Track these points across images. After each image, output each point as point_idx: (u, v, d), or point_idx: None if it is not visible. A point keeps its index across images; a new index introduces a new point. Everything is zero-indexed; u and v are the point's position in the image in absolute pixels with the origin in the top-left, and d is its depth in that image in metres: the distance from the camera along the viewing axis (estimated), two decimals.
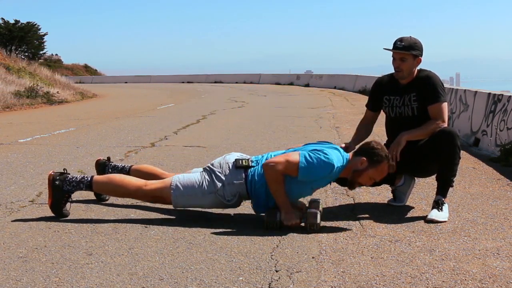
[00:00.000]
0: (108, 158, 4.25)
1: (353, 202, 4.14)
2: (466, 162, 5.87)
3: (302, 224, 3.42)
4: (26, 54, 36.89)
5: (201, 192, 3.58)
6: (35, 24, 39.30)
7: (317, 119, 10.65)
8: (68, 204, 3.70)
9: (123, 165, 4.18)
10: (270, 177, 3.45)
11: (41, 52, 41.03)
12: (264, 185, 3.53)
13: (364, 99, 4.34)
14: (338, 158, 3.51)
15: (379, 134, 7.99)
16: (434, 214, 3.62)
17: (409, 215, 3.82)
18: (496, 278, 2.66)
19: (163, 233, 3.35)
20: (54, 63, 49.24)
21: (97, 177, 3.76)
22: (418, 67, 3.88)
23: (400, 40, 3.79)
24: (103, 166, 4.18)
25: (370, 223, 3.59)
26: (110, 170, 4.12)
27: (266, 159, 3.60)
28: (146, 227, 3.48)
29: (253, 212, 3.84)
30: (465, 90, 8.53)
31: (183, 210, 3.91)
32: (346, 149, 3.80)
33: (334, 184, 4.32)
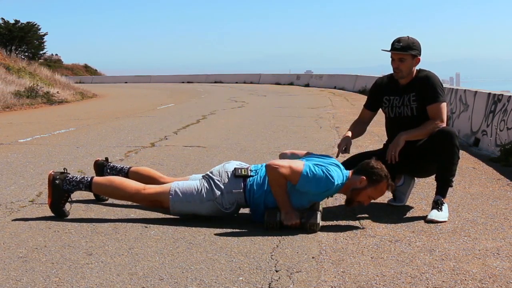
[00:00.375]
0: (106, 159, 4.25)
1: None
2: (466, 162, 5.87)
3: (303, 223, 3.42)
4: (26, 54, 36.89)
5: (199, 199, 3.59)
6: (35, 24, 39.30)
7: (317, 119, 10.65)
8: (68, 205, 3.70)
9: (121, 166, 4.18)
10: (272, 178, 3.46)
11: (41, 52, 41.03)
12: (262, 195, 3.54)
13: (364, 99, 4.34)
14: (338, 175, 3.51)
15: (379, 134, 8.00)
16: (434, 214, 3.62)
17: (409, 215, 3.82)
18: (496, 278, 2.66)
19: (163, 233, 3.35)
20: (54, 63, 49.25)
21: (97, 178, 3.77)
22: (418, 67, 3.88)
23: (398, 40, 3.79)
24: (101, 167, 4.18)
25: (370, 223, 3.59)
26: (108, 171, 4.12)
27: (265, 172, 3.59)
28: (146, 227, 3.48)
29: None
30: (465, 90, 8.53)
31: None
32: (348, 138, 3.88)
33: None
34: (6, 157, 6.18)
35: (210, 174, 3.66)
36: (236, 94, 21.32)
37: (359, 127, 4.13)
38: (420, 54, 3.82)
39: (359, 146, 7.03)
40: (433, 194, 3.83)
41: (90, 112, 13.42)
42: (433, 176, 3.83)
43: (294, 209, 3.46)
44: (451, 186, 3.76)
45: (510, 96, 6.47)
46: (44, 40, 40.41)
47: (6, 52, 25.93)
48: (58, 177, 3.67)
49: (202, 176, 3.72)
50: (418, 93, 3.81)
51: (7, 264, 2.82)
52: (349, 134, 3.99)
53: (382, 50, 3.87)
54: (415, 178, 4.13)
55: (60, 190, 3.65)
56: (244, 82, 36.71)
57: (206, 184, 3.61)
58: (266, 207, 3.54)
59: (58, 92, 19.22)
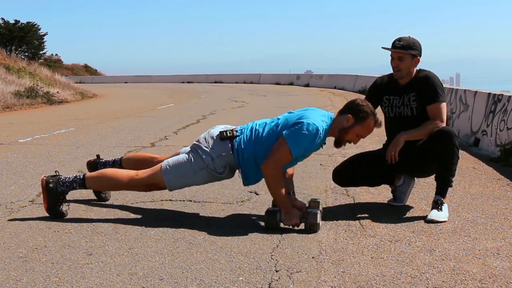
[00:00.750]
0: (98, 156, 4.26)
1: (353, 202, 4.14)
2: (466, 162, 5.87)
3: (302, 225, 3.42)
4: (26, 54, 36.90)
5: (192, 170, 3.58)
6: (35, 24, 39.30)
7: None
8: (64, 205, 3.67)
9: (113, 158, 4.19)
10: (271, 177, 3.44)
11: (41, 52, 41.03)
12: (252, 154, 3.53)
13: None
14: (322, 120, 3.49)
15: (379, 134, 8.00)
16: (434, 214, 3.62)
17: (409, 215, 3.82)
18: (496, 278, 2.66)
19: (163, 233, 3.35)
20: (54, 63, 49.25)
21: (89, 174, 3.75)
22: (418, 67, 3.88)
23: (399, 39, 3.80)
24: (94, 165, 4.18)
25: (370, 223, 3.59)
26: (102, 167, 4.11)
27: (251, 128, 3.60)
28: (146, 227, 3.48)
29: (253, 212, 3.85)
30: (465, 90, 8.53)
31: (183, 210, 3.92)
32: None
33: (334, 184, 4.32)
34: (6, 157, 6.18)
35: (197, 143, 3.65)
36: (236, 94, 21.32)
37: None
38: (420, 55, 3.82)
39: (359, 146, 7.02)
40: (433, 194, 3.83)
41: (90, 112, 13.42)
42: (433, 176, 3.83)
43: (294, 209, 3.46)
44: (451, 186, 3.76)
45: (510, 96, 6.47)
46: (44, 40, 40.43)
47: (6, 52, 25.94)
48: (51, 180, 3.65)
49: (190, 147, 3.70)
50: (418, 93, 3.81)
51: (7, 264, 2.82)
52: None
53: (383, 48, 3.88)
54: (415, 178, 4.13)
55: (55, 193, 3.63)
56: (244, 82, 36.71)
57: (195, 154, 3.60)
58: (256, 166, 3.53)
59: (58, 92, 19.23)
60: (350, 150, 6.56)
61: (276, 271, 2.73)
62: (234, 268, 2.77)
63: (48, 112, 13.89)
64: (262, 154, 3.51)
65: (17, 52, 29.83)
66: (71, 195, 4.28)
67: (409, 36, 3.86)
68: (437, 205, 3.67)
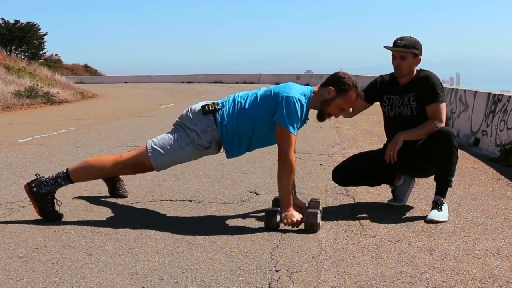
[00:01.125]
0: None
1: (353, 202, 4.14)
2: (466, 162, 5.87)
3: (302, 225, 3.42)
4: (26, 54, 36.91)
5: (179, 146, 3.57)
6: (35, 24, 39.31)
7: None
8: (57, 207, 3.63)
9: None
10: (288, 168, 3.42)
11: (41, 52, 41.06)
12: (235, 126, 3.53)
13: None
14: (300, 93, 3.49)
15: (379, 134, 8.01)
16: (434, 214, 3.62)
17: (409, 215, 3.82)
18: (496, 278, 2.66)
19: (163, 233, 3.34)
20: (54, 63, 49.26)
21: (72, 166, 3.69)
22: (418, 67, 3.88)
23: (401, 39, 3.80)
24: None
25: (370, 223, 3.59)
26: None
27: (233, 100, 3.59)
28: (146, 227, 3.47)
29: (253, 212, 3.85)
30: (465, 90, 8.53)
31: (183, 210, 3.91)
32: None
33: (334, 184, 4.32)
34: (6, 157, 6.18)
35: (180, 120, 3.64)
36: None
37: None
38: (421, 54, 3.82)
39: (359, 146, 7.03)
40: (433, 194, 3.83)
41: (90, 112, 13.42)
42: (433, 176, 3.83)
43: (294, 209, 3.46)
44: (451, 186, 3.76)
45: (510, 96, 6.48)
46: (44, 40, 40.46)
47: (6, 52, 25.95)
48: (33, 184, 3.57)
49: (173, 124, 3.69)
50: (418, 93, 3.81)
51: (7, 264, 2.82)
52: None
53: (384, 47, 3.87)
54: (415, 178, 4.13)
55: (41, 194, 3.56)
56: (244, 82, 36.72)
57: (179, 131, 3.60)
58: (239, 138, 3.55)
59: (58, 92, 19.25)
60: (350, 150, 6.56)
61: (276, 271, 2.73)
62: (234, 268, 2.77)
63: (48, 112, 13.89)
64: (246, 126, 3.52)
65: (17, 52, 29.84)
66: (78, 193, 4.28)
67: (410, 36, 3.86)
68: (437, 205, 3.67)
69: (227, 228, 3.47)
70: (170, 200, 4.20)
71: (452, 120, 8.60)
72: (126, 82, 46.64)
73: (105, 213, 3.84)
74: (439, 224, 3.56)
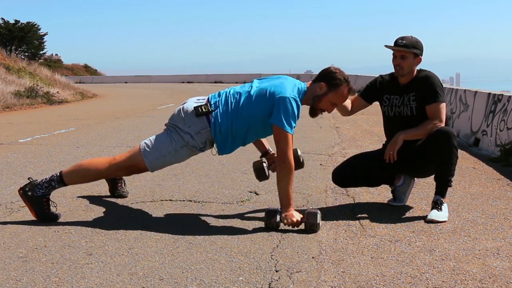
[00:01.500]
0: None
1: (353, 202, 4.14)
2: (466, 162, 5.87)
3: (302, 225, 3.42)
4: (26, 54, 36.91)
5: (174, 149, 3.56)
6: (35, 24, 39.31)
7: (317, 119, 10.63)
8: (53, 208, 3.61)
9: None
10: (287, 169, 3.42)
11: (41, 52, 41.05)
12: (229, 127, 3.52)
13: None
14: (294, 88, 3.50)
15: (379, 134, 8.00)
16: (434, 214, 3.62)
17: (409, 215, 3.82)
18: (496, 278, 2.66)
19: (163, 233, 3.34)
20: (54, 63, 49.27)
21: (66, 169, 3.66)
22: (418, 67, 3.89)
23: (402, 38, 3.81)
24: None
25: (370, 223, 3.59)
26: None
27: (225, 101, 3.56)
28: (146, 227, 3.47)
29: (253, 212, 3.85)
30: (465, 90, 8.53)
31: (183, 210, 3.91)
32: None
33: (334, 184, 4.32)
34: (6, 157, 6.18)
35: (172, 121, 3.62)
36: None
37: (344, 108, 4.05)
38: (421, 54, 3.82)
39: (359, 146, 7.03)
40: (433, 194, 3.82)
41: (90, 112, 13.42)
42: (433, 176, 3.83)
43: (294, 209, 3.46)
44: (450, 186, 3.76)
45: (510, 96, 6.48)
46: (44, 40, 40.45)
47: (6, 52, 25.95)
48: (27, 188, 3.56)
49: (166, 125, 3.67)
50: (418, 93, 3.81)
51: (7, 264, 2.82)
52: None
53: (385, 46, 3.87)
54: (415, 178, 4.13)
55: (36, 198, 3.54)
56: (244, 82, 36.66)
57: (173, 133, 3.58)
58: (233, 138, 3.54)
59: (58, 92, 19.25)
60: (350, 150, 6.57)
61: (276, 271, 2.73)
62: (234, 268, 2.77)
63: (48, 112, 13.89)
64: (240, 126, 3.52)
65: (17, 52, 29.83)
66: (78, 192, 4.28)
67: (411, 36, 3.87)
68: (437, 205, 3.67)
69: (227, 228, 3.47)
70: (170, 200, 4.20)
71: (452, 120, 8.60)
72: (126, 82, 46.63)
73: (105, 213, 3.84)
74: (439, 224, 3.56)
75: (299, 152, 3.92)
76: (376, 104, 4.14)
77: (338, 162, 5.03)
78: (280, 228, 3.41)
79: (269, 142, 3.95)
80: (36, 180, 3.63)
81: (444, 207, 3.68)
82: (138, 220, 3.66)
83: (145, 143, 3.60)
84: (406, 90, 3.86)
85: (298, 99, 3.48)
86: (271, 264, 2.82)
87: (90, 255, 2.96)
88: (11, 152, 6.58)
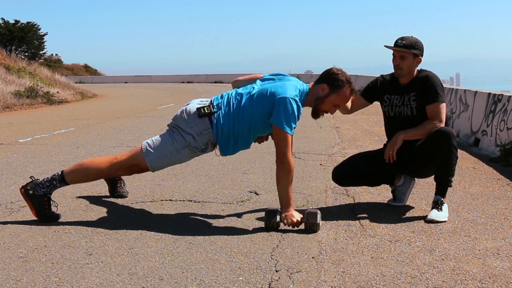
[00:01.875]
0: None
1: (353, 202, 4.14)
2: (466, 162, 5.87)
3: (302, 225, 3.42)
4: (26, 54, 36.88)
5: (175, 149, 3.55)
6: (35, 24, 39.28)
7: (317, 119, 10.64)
8: (54, 208, 3.62)
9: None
10: (286, 169, 3.42)
11: (41, 52, 41.02)
12: (231, 128, 3.52)
13: None
14: (295, 89, 3.50)
15: (379, 134, 8.00)
16: (434, 214, 3.62)
17: (409, 215, 3.82)
18: (496, 278, 2.66)
19: (163, 233, 3.34)
20: (54, 63, 49.29)
21: (67, 168, 3.66)
22: (418, 67, 3.89)
23: (402, 38, 3.81)
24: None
25: (370, 223, 3.59)
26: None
27: (227, 102, 3.56)
28: (146, 227, 3.47)
29: (253, 212, 3.85)
30: (465, 90, 8.53)
31: (183, 210, 3.91)
32: None
33: (334, 184, 4.32)
34: (6, 157, 6.18)
35: (174, 122, 3.62)
36: None
37: (345, 107, 4.04)
38: (422, 55, 3.82)
39: (359, 146, 7.03)
40: (433, 194, 3.83)
41: (90, 112, 13.42)
42: (433, 176, 3.83)
43: (294, 209, 3.46)
44: (451, 186, 3.76)
45: (510, 96, 6.48)
46: (44, 40, 40.40)
47: (6, 52, 25.96)
48: (29, 187, 3.56)
49: (168, 125, 3.67)
50: (418, 92, 3.81)
51: (7, 264, 2.82)
52: None
53: (385, 46, 3.87)
54: (415, 178, 4.13)
55: (37, 197, 3.54)
56: None
57: (175, 134, 3.58)
58: (236, 139, 3.55)
59: (58, 92, 19.25)
60: (350, 150, 6.56)
61: (276, 271, 2.73)
62: (234, 268, 2.77)
63: (48, 112, 13.89)
64: (242, 127, 3.52)
65: (17, 52, 29.84)
66: (78, 192, 4.28)
67: (411, 36, 3.87)
68: (437, 205, 3.67)
69: (227, 228, 3.47)
70: (170, 200, 4.20)
71: (452, 120, 8.60)
72: (126, 82, 46.65)
73: (105, 213, 3.84)
74: (439, 224, 3.56)
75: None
76: (376, 104, 4.14)
77: (338, 162, 5.02)
78: (280, 228, 3.41)
79: (269, 142, 3.95)
80: (38, 179, 3.63)
81: (444, 207, 3.68)
82: (138, 220, 3.66)
83: (147, 142, 3.60)
84: (407, 90, 3.86)
85: (298, 100, 3.48)
86: (271, 264, 2.82)
87: (90, 255, 2.96)
88: (11, 152, 6.58)
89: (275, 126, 3.44)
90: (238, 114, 3.52)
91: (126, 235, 3.32)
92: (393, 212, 3.86)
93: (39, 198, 3.55)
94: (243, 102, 3.54)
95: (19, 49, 34.96)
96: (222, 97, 3.64)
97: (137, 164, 3.58)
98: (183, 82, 42.43)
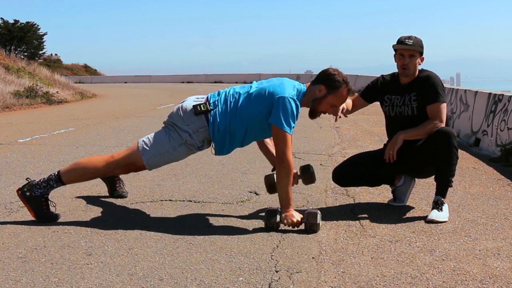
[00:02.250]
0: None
1: (353, 202, 4.14)
2: (467, 162, 5.87)
3: (302, 225, 3.41)
4: (26, 54, 36.90)
5: (172, 147, 3.55)
6: (35, 24, 39.29)
7: (317, 119, 10.64)
8: (52, 208, 3.61)
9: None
10: (286, 169, 3.41)
11: (40, 52, 41.03)
12: (228, 126, 3.51)
13: None
14: (293, 88, 3.49)
15: (379, 134, 8.00)
16: (434, 215, 3.62)
17: (409, 215, 3.81)
18: (497, 279, 2.65)
19: (163, 233, 3.34)
20: (53, 63, 49.29)
21: (64, 168, 3.65)
22: (419, 67, 3.88)
23: (408, 37, 3.81)
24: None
25: (370, 223, 3.58)
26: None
27: (225, 100, 3.55)
28: (146, 227, 3.47)
29: (253, 212, 3.84)
30: (465, 90, 8.53)
31: (183, 210, 3.91)
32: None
33: (334, 184, 4.32)
34: (5, 157, 6.17)
35: (171, 119, 3.61)
36: None
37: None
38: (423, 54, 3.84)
39: (359, 146, 7.03)
40: (433, 194, 3.82)
41: (89, 112, 13.42)
42: (433, 176, 3.83)
43: (294, 209, 3.46)
44: (451, 186, 3.76)
45: (510, 96, 6.48)
46: (44, 40, 40.42)
47: (6, 52, 25.96)
48: (25, 189, 3.55)
49: (164, 123, 3.66)
50: (418, 92, 3.81)
51: (7, 264, 2.82)
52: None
53: (394, 46, 3.86)
54: (415, 179, 4.12)
55: (35, 198, 3.53)
56: (244, 82, 36.70)
57: (171, 131, 3.57)
58: (231, 138, 3.54)
59: (57, 92, 19.24)
60: (350, 150, 6.56)
61: (276, 271, 2.72)
62: (234, 268, 2.77)
63: (47, 112, 13.88)
64: (239, 126, 3.51)
65: (16, 52, 29.84)
66: (78, 192, 4.28)
67: (414, 36, 3.88)
68: (437, 205, 3.66)
69: (227, 228, 3.46)
70: (170, 200, 4.20)
71: (452, 120, 8.60)
72: (126, 82, 46.63)
73: (105, 213, 3.84)
74: (439, 224, 3.56)
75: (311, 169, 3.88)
76: (376, 104, 4.14)
77: (338, 162, 5.02)
78: (280, 228, 3.40)
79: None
80: (34, 180, 3.62)
81: (445, 207, 3.67)
82: (137, 220, 3.65)
83: (143, 141, 3.59)
84: (407, 90, 3.85)
85: (297, 100, 3.47)
86: (271, 265, 2.82)
87: (89, 255, 2.96)
88: (10, 152, 6.57)
89: (274, 125, 3.43)
90: (235, 113, 3.52)
91: (125, 235, 3.31)
92: (393, 212, 3.86)
93: (36, 199, 3.54)
94: (240, 101, 3.54)
95: (18, 49, 34.97)
96: (219, 94, 3.63)
97: (133, 162, 3.57)
98: (183, 82, 42.42)
